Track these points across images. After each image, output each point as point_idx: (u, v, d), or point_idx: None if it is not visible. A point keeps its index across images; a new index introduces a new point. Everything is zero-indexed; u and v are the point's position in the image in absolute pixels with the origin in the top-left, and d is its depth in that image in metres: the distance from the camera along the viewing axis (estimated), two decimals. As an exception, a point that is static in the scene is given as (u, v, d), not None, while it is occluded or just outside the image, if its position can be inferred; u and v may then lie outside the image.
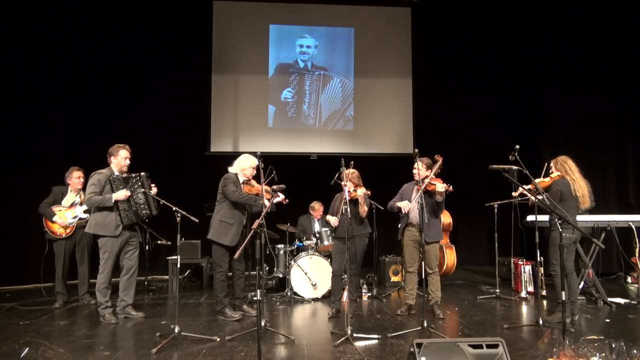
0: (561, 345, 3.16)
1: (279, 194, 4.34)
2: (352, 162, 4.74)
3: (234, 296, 4.81)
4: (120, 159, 4.68)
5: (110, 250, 4.55)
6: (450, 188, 4.47)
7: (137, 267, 4.74)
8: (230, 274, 4.74)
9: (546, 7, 7.94)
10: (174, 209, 4.07)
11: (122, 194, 4.51)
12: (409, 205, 4.63)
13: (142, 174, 4.74)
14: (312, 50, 8.44)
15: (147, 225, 5.44)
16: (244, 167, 4.70)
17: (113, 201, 4.49)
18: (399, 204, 4.69)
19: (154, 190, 4.80)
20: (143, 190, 4.67)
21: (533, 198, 4.18)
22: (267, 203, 4.14)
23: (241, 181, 4.68)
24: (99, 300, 4.57)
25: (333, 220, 4.79)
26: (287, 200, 4.54)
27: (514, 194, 4.72)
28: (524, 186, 4.24)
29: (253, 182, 4.72)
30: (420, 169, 4.71)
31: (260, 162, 4.19)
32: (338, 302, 4.90)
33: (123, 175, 4.65)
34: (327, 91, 8.43)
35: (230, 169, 4.74)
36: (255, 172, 4.71)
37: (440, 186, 4.47)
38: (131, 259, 4.69)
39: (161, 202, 4.33)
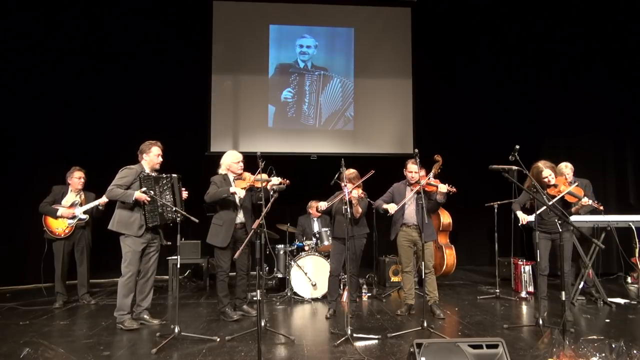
0: (561, 345, 3.16)
1: (275, 178, 4.40)
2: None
3: (234, 296, 4.81)
4: (152, 156, 4.47)
5: (134, 250, 4.31)
6: (454, 189, 4.47)
7: (155, 270, 4.57)
8: (233, 273, 4.73)
9: (546, 8, 7.93)
10: (174, 209, 4.07)
11: (142, 196, 4.24)
12: (396, 208, 4.63)
13: (174, 175, 4.54)
14: (312, 50, 8.44)
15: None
16: (228, 164, 4.70)
17: (133, 199, 4.21)
18: (386, 206, 4.70)
19: (185, 194, 4.59)
20: (172, 193, 4.47)
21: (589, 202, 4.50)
22: (274, 182, 4.38)
23: (232, 178, 4.68)
24: (121, 307, 4.30)
25: (323, 205, 4.78)
26: (287, 181, 4.48)
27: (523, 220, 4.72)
28: (543, 192, 4.32)
29: (245, 174, 4.71)
30: (418, 171, 4.71)
31: (260, 162, 4.21)
32: (334, 302, 4.91)
33: (153, 175, 4.44)
34: (327, 91, 8.43)
35: (220, 171, 4.74)
36: (242, 165, 4.70)
37: (443, 187, 4.47)
38: (150, 261, 4.49)
39: (174, 209, 4.02)
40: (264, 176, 4.42)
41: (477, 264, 8.44)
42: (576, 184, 4.83)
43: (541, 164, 4.58)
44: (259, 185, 4.41)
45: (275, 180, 4.44)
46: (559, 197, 4.46)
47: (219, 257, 4.60)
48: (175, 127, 8.00)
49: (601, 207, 5.02)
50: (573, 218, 4.97)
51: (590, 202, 4.69)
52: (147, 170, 4.45)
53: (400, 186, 4.90)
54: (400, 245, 4.85)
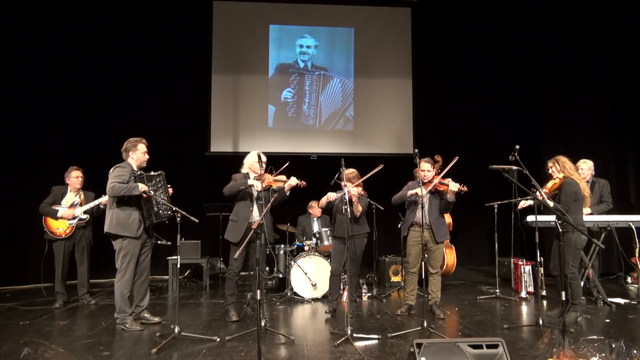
0: (561, 345, 3.16)
1: (293, 179, 4.43)
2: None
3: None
4: (139, 153, 4.40)
5: (132, 253, 4.25)
6: (465, 188, 4.43)
7: (149, 269, 4.54)
8: (244, 273, 4.68)
9: (546, 8, 7.93)
10: (173, 209, 4.07)
11: (146, 188, 4.18)
12: (424, 191, 4.50)
13: (162, 172, 4.50)
14: (312, 50, 8.44)
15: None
16: (251, 163, 4.68)
17: (140, 190, 4.12)
18: (413, 191, 4.61)
19: (170, 191, 4.58)
20: (163, 190, 4.44)
21: (550, 203, 4.18)
22: (292, 182, 4.42)
23: (252, 177, 4.67)
24: (122, 309, 4.24)
25: (332, 195, 4.74)
26: (304, 182, 4.50)
27: (522, 204, 4.68)
28: (541, 192, 4.19)
29: (266, 175, 4.71)
30: (430, 169, 4.68)
31: (263, 163, 4.22)
32: (335, 301, 4.91)
33: (146, 173, 4.38)
34: (327, 91, 8.43)
35: (242, 170, 4.73)
36: (264, 166, 4.69)
37: (454, 185, 4.44)
38: (144, 261, 4.46)
39: (174, 209, 4.04)
40: (282, 177, 4.44)
41: (477, 264, 8.44)
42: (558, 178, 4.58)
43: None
44: (276, 185, 4.42)
45: (293, 181, 4.44)
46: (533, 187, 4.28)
47: (231, 254, 4.58)
48: (175, 127, 8.01)
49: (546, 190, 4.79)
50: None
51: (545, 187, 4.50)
52: (134, 169, 4.38)
53: (415, 185, 4.83)
54: (411, 245, 4.79)
